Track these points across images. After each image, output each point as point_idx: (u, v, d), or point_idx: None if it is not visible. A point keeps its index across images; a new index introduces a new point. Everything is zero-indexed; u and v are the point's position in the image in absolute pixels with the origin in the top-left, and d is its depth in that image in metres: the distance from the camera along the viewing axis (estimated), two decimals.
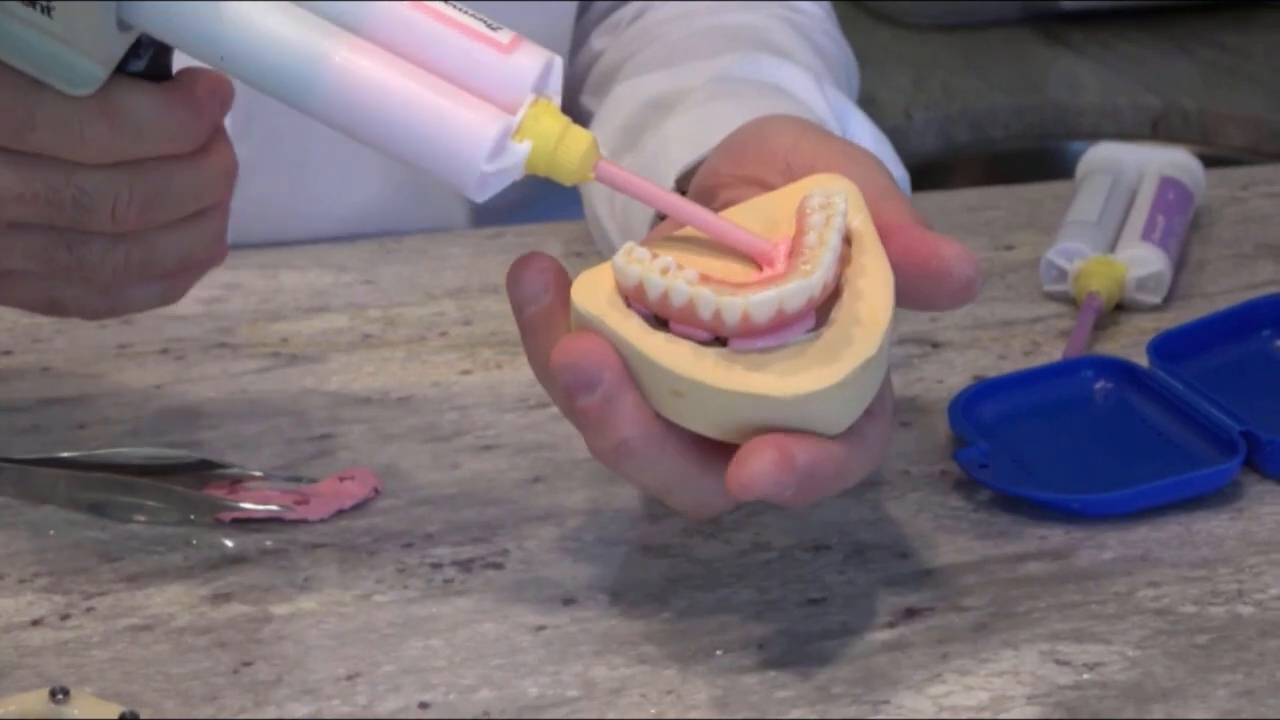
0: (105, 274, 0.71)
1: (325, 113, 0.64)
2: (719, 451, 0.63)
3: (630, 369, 0.63)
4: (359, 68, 0.63)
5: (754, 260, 0.65)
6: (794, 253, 0.64)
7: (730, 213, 0.66)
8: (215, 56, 0.65)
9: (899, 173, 0.89)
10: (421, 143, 0.63)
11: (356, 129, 0.64)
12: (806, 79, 0.88)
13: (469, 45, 0.64)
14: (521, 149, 0.64)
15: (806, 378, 0.62)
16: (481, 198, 0.64)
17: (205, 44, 0.65)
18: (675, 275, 0.62)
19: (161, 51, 0.68)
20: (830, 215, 0.64)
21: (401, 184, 1.02)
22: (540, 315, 0.65)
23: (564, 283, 0.65)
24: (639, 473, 0.64)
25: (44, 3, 0.64)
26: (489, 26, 0.64)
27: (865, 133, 0.89)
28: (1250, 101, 1.71)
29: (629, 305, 0.63)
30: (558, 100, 0.65)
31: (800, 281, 0.62)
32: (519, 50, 0.64)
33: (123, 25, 0.65)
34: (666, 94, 0.90)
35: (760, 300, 0.62)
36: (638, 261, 0.63)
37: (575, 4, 1.05)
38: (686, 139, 0.82)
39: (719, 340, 0.63)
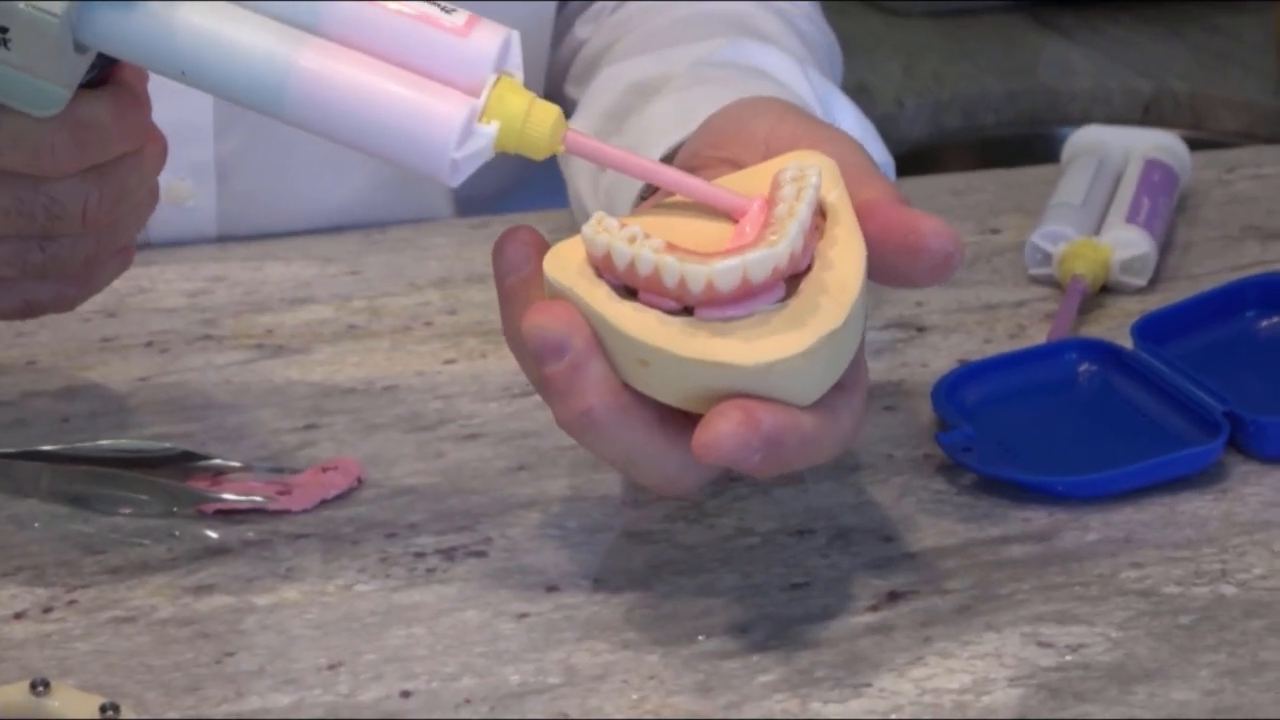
0: (78, 265, 0.71)
1: (297, 118, 0.64)
2: (688, 425, 0.63)
3: (599, 339, 0.63)
4: (324, 70, 0.63)
5: (731, 218, 0.65)
6: (765, 223, 0.64)
7: None
8: (177, 72, 0.65)
9: (883, 158, 0.89)
10: (392, 137, 0.63)
11: (328, 130, 0.64)
12: (790, 63, 0.88)
13: (426, 33, 0.64)
14: (489, 130, 0.64)
15: (770, 345, 0.62)
16: (456, 182, 0.64)
17: (167, 61, 0.65)
18: (642, 244, 0.62)
19: (107, 64, 0.69)
20: (801, 188, 0.64)
21: (386, 177, 1.02)
22: (519, 285, 0.65)
23: (545, 254, 0.65)
24: (603, 444, 0.64)
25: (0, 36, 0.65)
26: (443, 10, 0.64)
27: (849, 116, 0.88)
28: (1241, 85, 1.72)
29: (599, 276, 0.63)
30: (519, 75, 0.65)
31: (766, 250, 0.62)
32: (475, 31, 0.64)
33: (80, 48, 0.66)
34: (650, 79, 0.90)
35: (725, 268, 0.62)
36: (606, 231, 0.63)
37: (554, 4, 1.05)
38: (669, 122, 0.82)
39: (687, 310, 0.63)
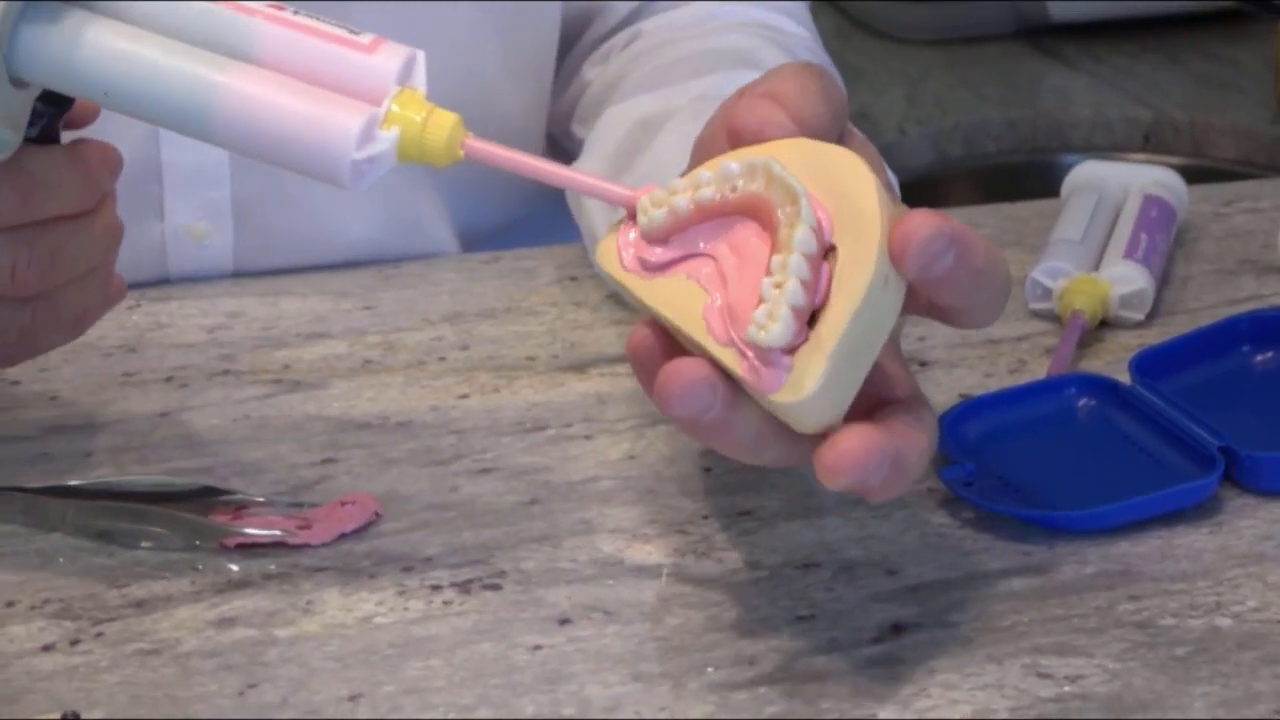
0: (10, 337, 0.75)
1: (224, 139, 0.68)
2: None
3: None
4: (245, 91, 0.67)
5: (626, 209, 0.67)
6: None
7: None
8: (101, 94, 0.68)
9: (887, 178, 0.91)
10: (298, 145, 0.67)
11: (247, 147, 0.68)
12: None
13: (333, 50, 0.68)
14: (389, 135, 0.67)
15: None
16: (359, 187, 0.67)
17: (95, 87, 0.68)
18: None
19: (53, 118, 0.72)
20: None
21: (399, 214, 1.04)
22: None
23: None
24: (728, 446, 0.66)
25: None
26: (350, 32, 0.68)
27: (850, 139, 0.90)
28: (1241, 113, 1.73)
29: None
30: (422, 90, 0.68)
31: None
32: (381, 49, 0.68)
33: (17, 82, 0.68)
34: (653, 115, 0.92)
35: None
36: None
37: (556, 38, 1.07)
38: (675, 154, 0.84)
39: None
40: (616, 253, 0.67)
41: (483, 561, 0.75)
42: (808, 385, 0.63)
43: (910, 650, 0.70)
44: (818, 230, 0.64)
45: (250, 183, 1.01)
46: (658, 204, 0.66)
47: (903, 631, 0.71)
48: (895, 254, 0.63)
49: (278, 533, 0.76)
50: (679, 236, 0.66)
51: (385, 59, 0.68)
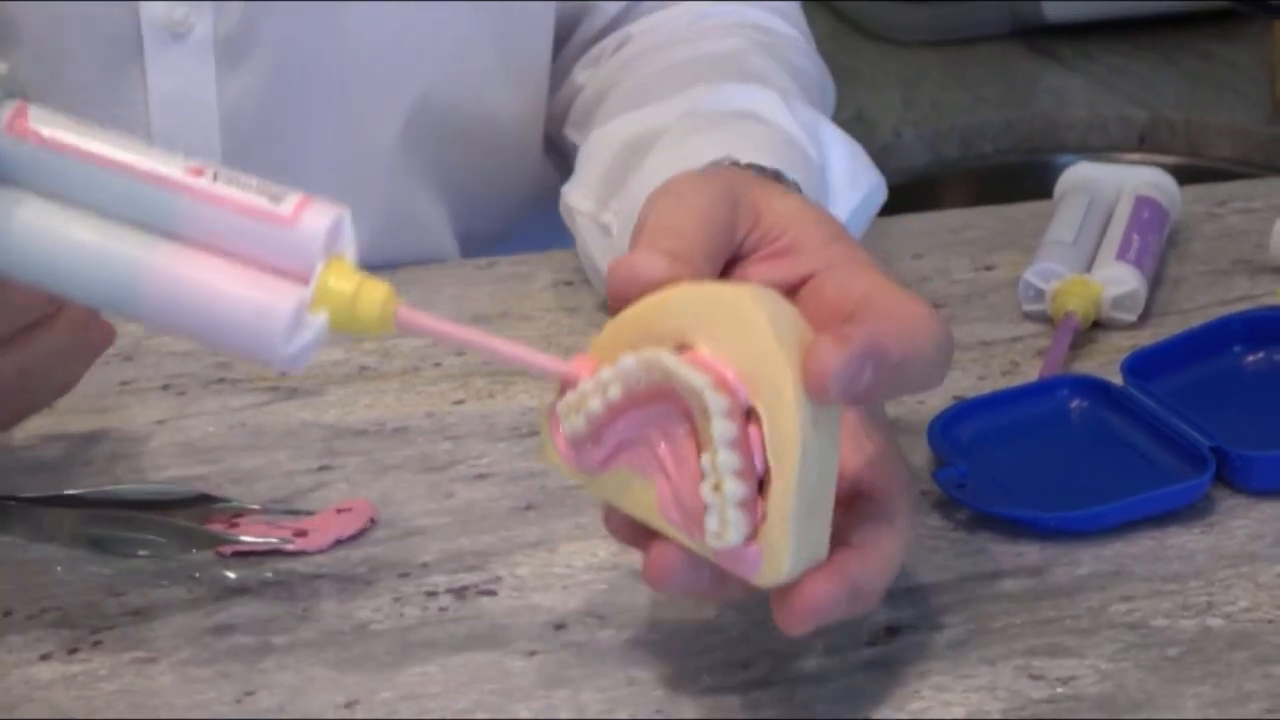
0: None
1: (148, 316, 0.66)
2: None
3: None
4: (169, 270, 0.65)
5: (562, 381, 0.67)
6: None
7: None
8: (20, 273, 0.67)
9: (873, 179, 0.92)
10: (230, 334, 0.65)
11: (175, 326, 0.66)
12: (772, 98, 0.90)
13: (253, 226, 0.65)
14: (318, 321, 0.65)
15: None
16: (299, 367, 0.66)
17: (15, 268, 0.67)
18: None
19: None
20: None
21: (399, 220, 1.04)
22: None
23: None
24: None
25: None
26: (271, 199, 0.65)
27: (837, 142, 0.91)
28: (1237, 113, 1.73)
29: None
30: (350, 253, 0.66)
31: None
32: (304, 217, 0.65)
33: None
34: (641, 135, 0.92)
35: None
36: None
37: (550, 42, 1.07)
38: (666, 176, 0.84)
39: None
40: (558, 449, 0.67)
41: (479, 567, 0.76)
42: (784, 563, 0.63)
43: (903, 652, 0.70)
44: (732, 410, 0.62)
45: None
46: (575, 409, 0.65)
47: (896, 634, 0.71)
48: (814, 393, 0.62)
49: (274, 540, 0.76)
50: (607, 430, 0.65)
51: (309, 230, 0.65)
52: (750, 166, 0.79)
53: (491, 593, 0.74)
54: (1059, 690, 0.68)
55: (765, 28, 1.05)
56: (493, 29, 1.04)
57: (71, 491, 0.79)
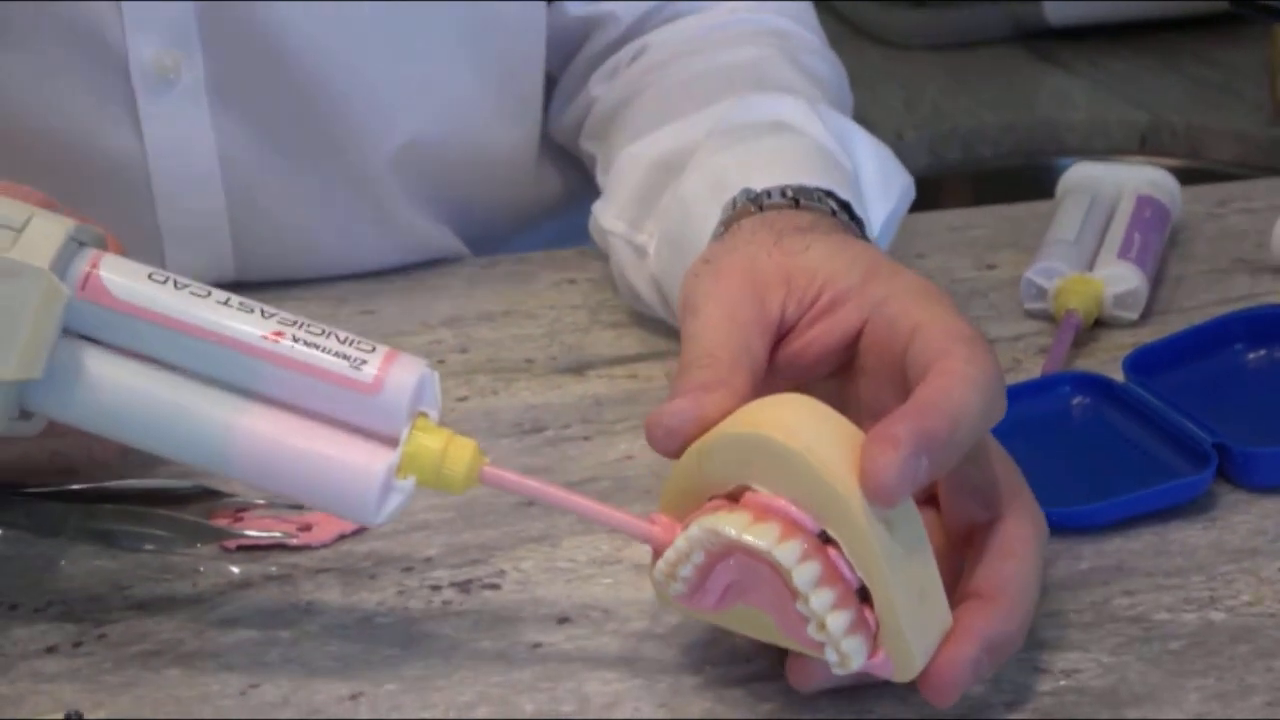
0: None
1: (238, 475, 0.67)
2: None
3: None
4: (259, 433, 0.66)
5: (652, 545, 0.67)
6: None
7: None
8: (112, 432, 0.68)
9: (904, 181, 0.92)
10: (323, 498, 0.67)
11: (268, 486, 0.67)
12: (802, 107, 0.90)
13: (338, 392, 0.66)
14: (407, 485, 0.67)
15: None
16: (383, 523, 0.67)
17: (113, 429, 0.68)
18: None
19: None
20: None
21: (400, 239, 1.04)
22: None
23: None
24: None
25: None
26: (353, 365, 0.66)
27: (865, 146, 0.91)
28: (1237, 116, 1.73)
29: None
30: (435, 412, 0.67)
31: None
32: (390, 378, 0.66)
33: (24, 414, 0.68)
34: (670, 154, 0.92)
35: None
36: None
37: (542, 77, 1.06)
38: (705, 195, 0.84)
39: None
40: (672, 600, 0.67)
41: (482, 561, 0.76)
42: (914, 660, 0.63)
43: None
44: (805, 553, 0.63)
45: (253, 206, 1.01)
46: (670, 578, 0.66)
47: None
48: (879, 503, 0.62)
49: (278, 534, 0.77)
50: (709, 581, 0.66)
51: (394, 395, 0.66)
52: (768, 194, 0.79)
53: (495, 586, 0.74)
54: (1062, 683, 0.68)
55: (783, 32, 1.04)
56: (482, 73, 1.03)
57: (77, 486, 0.79)
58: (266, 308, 0.68)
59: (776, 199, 0.78)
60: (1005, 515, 0.68)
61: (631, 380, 0.91)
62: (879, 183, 0.90)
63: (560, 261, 1.02)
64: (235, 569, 0.76)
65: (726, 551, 0.64)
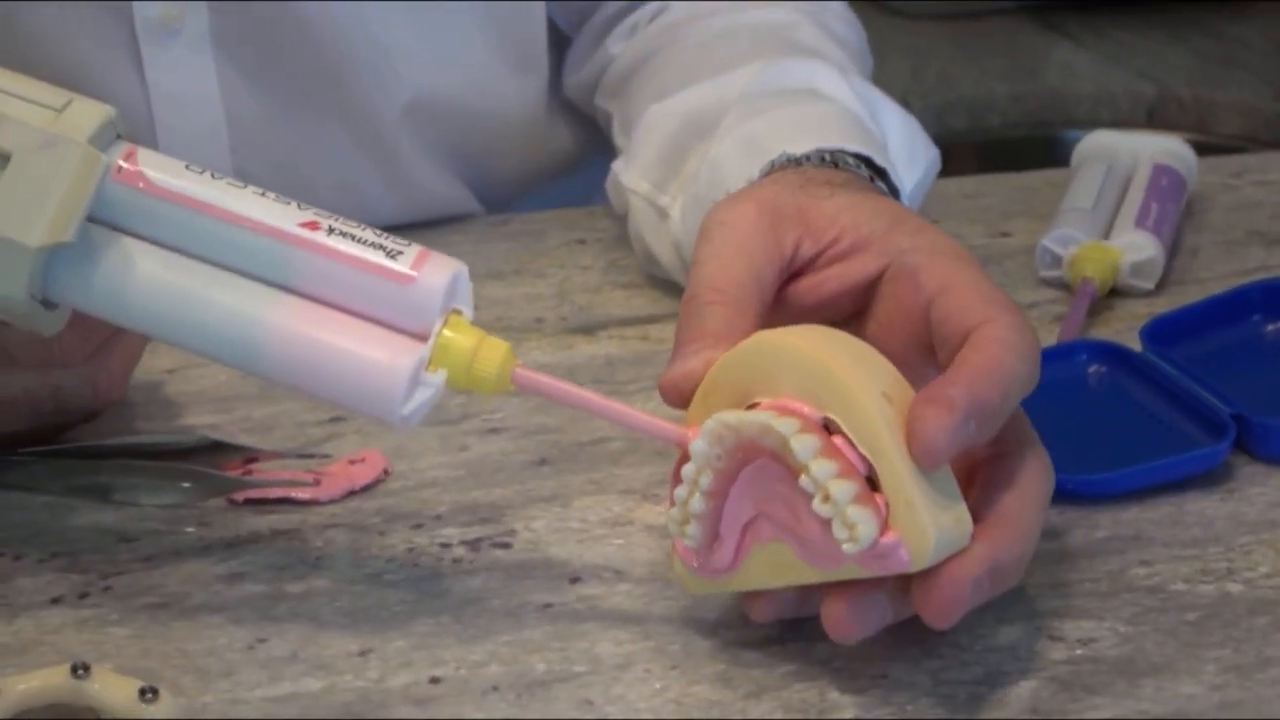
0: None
1: (268, 372, 0.66)
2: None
3: None
4: (290, 328, 0.65)
5: (681, 448, 0.66)
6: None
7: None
8: (142, 327, 0.67)
9: (930, 153, 0.91)
10: (345, 390, 0.66)
11: (290, 381, 0.66)
12: (834, 75, 0.89)
13: (372, 282, 0.65)
14: (436, 379, 0.66)
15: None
16: (412, 426, 0.66)
17: (139, 320, 0.67)
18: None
19: None
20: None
21: (410, 192, 1.03)
22: None
23: None
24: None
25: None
26: (389, 255, 0.65)
27: (894, 118, 0.91)
28: (1245, 89, 1.73)
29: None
30: (469, 309, 0.67)
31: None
32: (424, 272, 0.65)
33: (48, 304, 0.67)
34: (699, 113, 0.91)
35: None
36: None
37: (544, 26, 1.05)
38: (738, 159, 0.83)
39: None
40: (691, 573, 0.67)
41: (492, 520, 0.75)
42: (928, 540, 0.62)
43: None
44: (804, 427, 0.63)
45: (247, 160, 1.00)
46: (684, 520, 0.66)
47: None
48: (925, 464, 0.62)
49: (287, 481, 0.76)
50: (722, 523, 0.66)
51: (429, 287, 0.65)
52: (806, 158, 0.78)
53: (506, 545, 0.74)
54: (1078, 652, 0.67)
55: None
56: (484, 25, 1.02)
57: (78, 444, 0.78)
58: (302, 204, 0.67)
59: (815, 163, 0.77)
60: (1012, 451, 0.67)
61: (643, 342, 0.90)
62: (905, 154, 0.89)
63: (571, 221, 1.02)
64: (242, 523, 0.75)
65: (734, 465, 0.64)
